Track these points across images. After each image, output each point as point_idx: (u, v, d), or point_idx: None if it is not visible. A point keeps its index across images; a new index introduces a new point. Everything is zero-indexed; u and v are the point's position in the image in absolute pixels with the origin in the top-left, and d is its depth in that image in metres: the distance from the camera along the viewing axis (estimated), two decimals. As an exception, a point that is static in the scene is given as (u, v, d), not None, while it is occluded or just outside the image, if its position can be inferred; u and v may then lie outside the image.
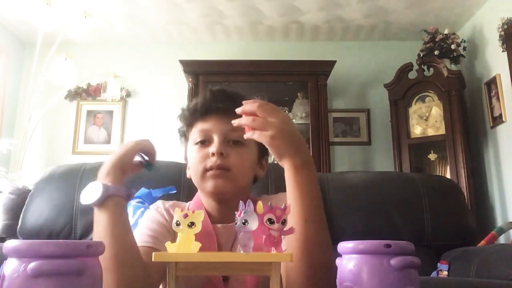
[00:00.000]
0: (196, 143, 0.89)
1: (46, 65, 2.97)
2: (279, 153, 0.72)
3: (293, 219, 0.67)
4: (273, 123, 0.70)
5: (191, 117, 0.91)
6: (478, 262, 1.11)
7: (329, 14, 3.34)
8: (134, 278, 0.70)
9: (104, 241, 0.69)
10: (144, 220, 0.90)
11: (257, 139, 0.71)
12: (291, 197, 0.71)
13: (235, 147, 0.86)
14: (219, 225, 0.88)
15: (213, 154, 0.85)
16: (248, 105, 0.71)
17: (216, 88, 0.95)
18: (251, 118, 0.70)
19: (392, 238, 0.56)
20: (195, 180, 0.90)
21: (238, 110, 0.72)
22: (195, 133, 0.89)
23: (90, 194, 0.75)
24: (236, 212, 0.49)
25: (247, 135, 0.71)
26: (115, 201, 0.75)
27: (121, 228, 0.74)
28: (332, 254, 0.72)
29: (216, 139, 0.86)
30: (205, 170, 0.86)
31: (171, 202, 0.95)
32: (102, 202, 0.74)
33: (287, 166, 0.73)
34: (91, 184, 0.76)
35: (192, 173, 0.90)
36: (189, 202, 0.96)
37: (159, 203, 0.94)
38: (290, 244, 0.68)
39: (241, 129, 0.73)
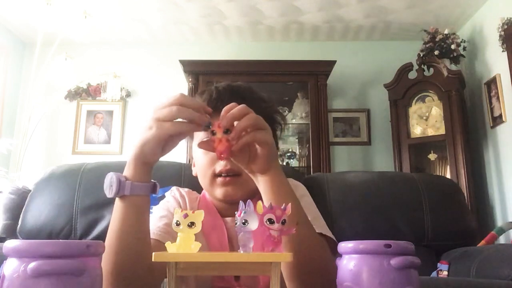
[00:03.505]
0: None
1: (46, 65, 2.98)
2: (275, 152, 0.69)
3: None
4: (264, 121, 0.66)
5: None
6: (478, 262, 1.11)
7: (329, 14, 3.34)
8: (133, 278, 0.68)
9: (109, 237, 0.67)
10: (159, 209, 0.89)
11: (261, 139, 0.65)
12: (281, 201, 0.64)
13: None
14: (228, 218, 0.87)
15: None
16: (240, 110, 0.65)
17: (222, 85, 0.90)
18: (252, 117, 0.65)
19: (392, 238, 0.56)
20: (204, 184, 0.88)
21: (233, 110, 0.65)
22: (202, 133, 0.83)
23: (108, 187, 0.67)
24: (236, 212, 0.49)
25: (250, 137, 0.64)
26: (129, 201, 0.67)
27: (127, 231, 0.67)
28: (328, 255, 0.72)
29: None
30: (214, 175, 0.84)
31: (186, 189, 0.95)
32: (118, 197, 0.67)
33: (276, 168, 0.69)
34: (110, 176, 0.67)
35: (200, 176, 0.88)
36: (202, 193, 0.94)
37: (174, 189, 0.93)
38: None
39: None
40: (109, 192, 0.66)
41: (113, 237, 0.67)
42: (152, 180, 0.69)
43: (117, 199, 0.68)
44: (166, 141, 0.65)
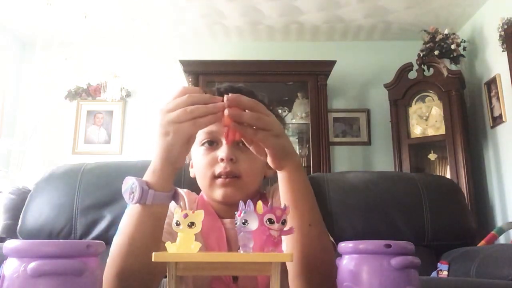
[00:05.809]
0: (203, 144, 0.85)
1: (46, 65, 2.98)
2: (284, 153, 0.66)
3: (296, 223, 0.64)
4: (272, 121, 0.64)
5: None
6: (478, 262, 1.11)
7: (329, 14, 3.34)
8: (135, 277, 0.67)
9: (120, 241, 0.66)
10: None
11: (261, 139, 0.64)
12: (294, 200, 0.66)
13: (244, 149, 0.78)
14: (226, 220, 0.87)
15: (222, 160, 0.81)
16: (244, 100, 0.63)
17: (223, 86, 0.89)
18: (256, 115, 0.62)
19: (392, 238, 0.56)
20: (202, 186, 0.87)
21: (232, 98, 0.63)
22: (201, 134, 0.83)
23: (128, 193, 0.64)
24: (236, 212, 0.49)
25: (250, 133, 0.63)
26: (149, 209, 0.65)
27: (140, 237, 0.65)
28: (333, 258, 0.72)
29: (224, 142, 0.81)
30: (214, 177, 0.82)
31: (185, 190, 0.94)
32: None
33: (290, 167, 0.67)
34: (132, 182, 0.64)
35: (199, 177, 0.87)
36: (200, 194, 0.94)
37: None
38: (291, 249, 0.66)
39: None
40: (129, 199, 0.64)
41: (124, 242, 0.65)
42: (174, 187, 0.68)
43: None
44: (188, 140, 0.64)
